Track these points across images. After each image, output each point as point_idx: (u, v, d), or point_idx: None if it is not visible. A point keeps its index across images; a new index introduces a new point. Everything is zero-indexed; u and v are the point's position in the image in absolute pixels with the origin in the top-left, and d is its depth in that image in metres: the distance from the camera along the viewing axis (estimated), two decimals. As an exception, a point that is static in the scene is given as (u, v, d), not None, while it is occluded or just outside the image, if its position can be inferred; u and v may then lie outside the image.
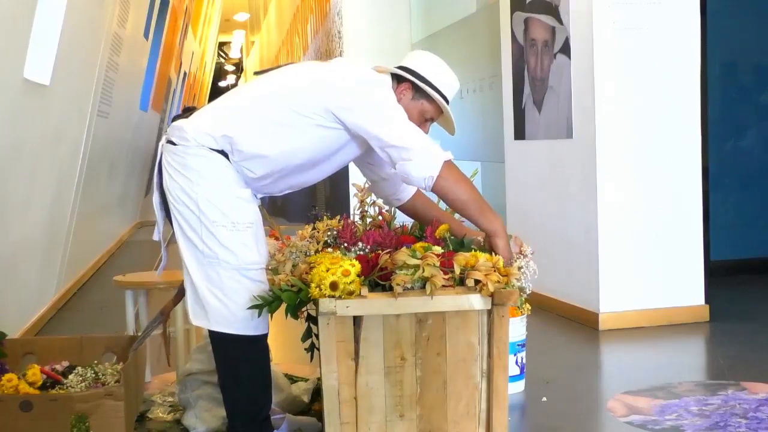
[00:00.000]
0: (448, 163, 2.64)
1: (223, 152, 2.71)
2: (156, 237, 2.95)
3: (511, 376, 3.24)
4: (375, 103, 2.68)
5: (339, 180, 8.95)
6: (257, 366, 2.80)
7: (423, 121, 2.83)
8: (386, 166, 2.97)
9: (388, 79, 2.81)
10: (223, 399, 2.86)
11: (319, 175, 2.90)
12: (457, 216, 3.05)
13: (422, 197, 3.06)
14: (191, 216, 2.71)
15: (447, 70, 2.84)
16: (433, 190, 2.66)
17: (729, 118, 6.51)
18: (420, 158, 2.60)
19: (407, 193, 3.02)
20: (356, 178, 3.24)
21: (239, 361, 2.77)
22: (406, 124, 2.67)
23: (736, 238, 6.48)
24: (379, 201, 3.18)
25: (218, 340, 2.77)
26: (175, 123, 2.79)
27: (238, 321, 2.70)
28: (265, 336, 2.79)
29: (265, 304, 2.64)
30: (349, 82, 2.72)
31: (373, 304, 2.51)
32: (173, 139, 2.76)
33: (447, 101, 2.83)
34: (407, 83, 2.80)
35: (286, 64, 2.98)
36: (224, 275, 2.69)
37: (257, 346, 2.77)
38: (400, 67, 2.82)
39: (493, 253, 2.63)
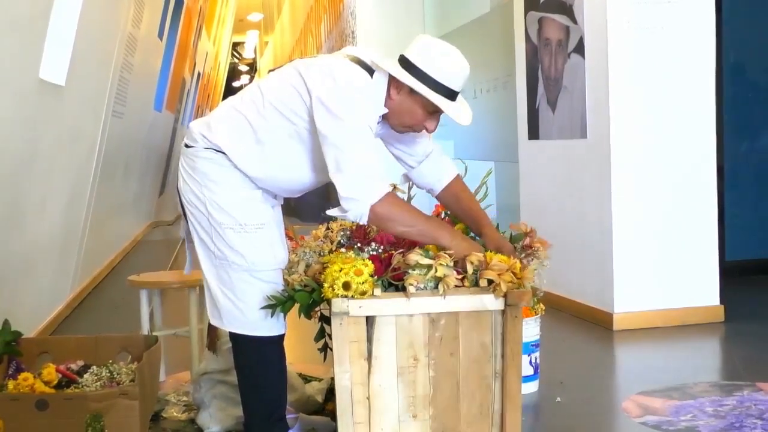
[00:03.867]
0: (379, 203, 2.50)
1: None
2: (183, 234, 2.97)
3: (525, 377, 3.24)
4: (341, 123, 2.53)
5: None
6: (271, 367, 2.81)
7: (428, 114, 2.65)
8: (408, 157, 2.92)
9: (382, 78, 2.66)
10: (240, 398, 2.88)
11: (318, 179, 2.80)
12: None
13: (454, 188, 2.93)
14: (202, 218, 2.73)
15: (452, 59, 2.61)
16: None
17: (744, 117, 6.47)
18: (350, 208, 2.51)
19: (439, 185, 2.94)
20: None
21: (253, 361, 2.78)
22: (352, 153, 2.52)
23: (751, 238, 6.44)
24: None
25: (234, 340, 2.80)
26: (190, 124, 2.81)
27: (249, 322, 2.71)
28: (281, 337, 2.79)
29: (278, 305, 2.64)
30: (330, 87, 2.58)
31: (386, 304, 2.52)
32: (187, 141, 2.79)
33: (455, 92, 2.62)
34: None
35: (289, 62, 2.87)
36: (235, 276, 2.70)
37: (271, 347, 2.77)
38: (402, 59, 2.64)
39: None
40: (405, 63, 2.62)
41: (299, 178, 2.78)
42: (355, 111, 2.56)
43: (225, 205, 2.69)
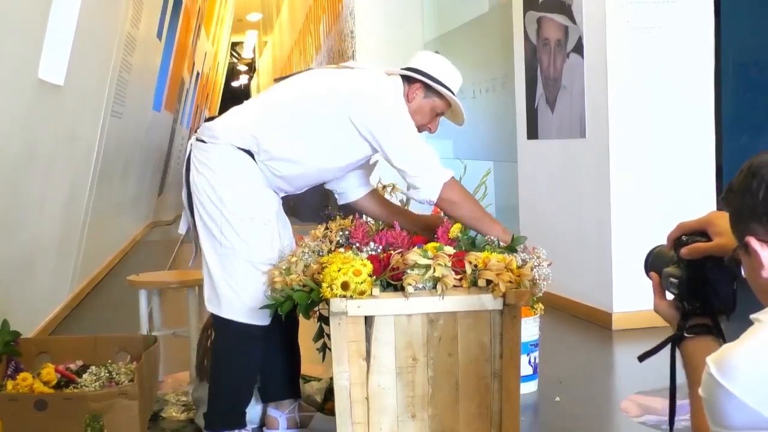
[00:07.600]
0: (448, 184, 2.81)
1: (249, 151, 2.86)
2: (182, 230, 3.13)
3: (524, 376, 3.23)
4: (390, 125, 2.84)
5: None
6: (250, 360, 2.97)
7: (434, 116, 3.00)
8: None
9: (399, 82, 2.96)
10: (209, 384, 3.02)
11: (339, 172, 3.05)
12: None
13: (374, 198, 3.19)
14: (212, 208, 2.86)
15: (451, 66, 3.01)
16: (437, 206, 2.89)
17: (743, 117, 6.47)
18: (424, 185, 2.81)
19: (357, 194, 3.15)
20: (369, 178, 3.25)
21: (235, 351, 2.95)
22: (415, 148, 2.84)
23: (750, 237, 6.42)
24: (394, 200, 3.23)
25: (221, 329, 2.96)
26: (205, 123, 2.97)
27: (247, 309, 2.86)
28: (266, 333, 2.93)
29: (278, 304, 2.65)
30: (367, 99, 2.87)
31: (385, 304, 2.52)
32: (203, 138, 2.92)
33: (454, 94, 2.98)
34: (418, 83, 2.95)
35: (306, 69, 3.16)
36: (238, 265, 2.86)
37: (254, 344, 2.94)
38: (409, 68, 2.97)
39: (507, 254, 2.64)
40: (414, 71, 2.97)
41: (331, 167, 2.98)
42: (403, 113, 2.87)
43: (239, 196, 2.86)
